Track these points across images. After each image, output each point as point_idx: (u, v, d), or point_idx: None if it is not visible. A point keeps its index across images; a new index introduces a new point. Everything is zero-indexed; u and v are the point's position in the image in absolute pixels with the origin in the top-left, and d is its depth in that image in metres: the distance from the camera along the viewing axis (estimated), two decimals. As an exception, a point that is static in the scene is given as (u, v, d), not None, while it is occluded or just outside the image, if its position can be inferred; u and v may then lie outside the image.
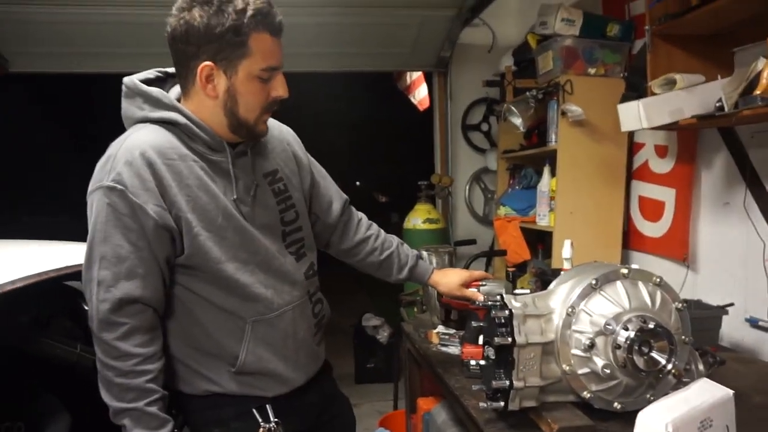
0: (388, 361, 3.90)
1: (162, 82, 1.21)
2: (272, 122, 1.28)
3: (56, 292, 1.53)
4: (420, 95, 4.30)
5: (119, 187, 1.06)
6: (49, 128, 7.63)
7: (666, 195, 2.19)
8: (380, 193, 11.99)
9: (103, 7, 2.80)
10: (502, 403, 1.20)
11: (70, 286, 1.55)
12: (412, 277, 1.52)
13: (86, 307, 1.52)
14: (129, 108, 1.18)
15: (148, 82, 1.19)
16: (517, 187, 2.98)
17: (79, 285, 1.54)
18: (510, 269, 2.19)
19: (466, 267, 2.86)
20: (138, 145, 1.09)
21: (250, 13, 1.07)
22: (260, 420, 1.18)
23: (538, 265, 2.65)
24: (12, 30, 2.98)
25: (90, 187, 1.11)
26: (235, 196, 1.16)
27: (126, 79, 1.18)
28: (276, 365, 1.21)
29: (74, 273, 1.42)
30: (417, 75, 4.26)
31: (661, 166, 2.23)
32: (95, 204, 1.09)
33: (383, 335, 3.99)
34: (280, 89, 1.16)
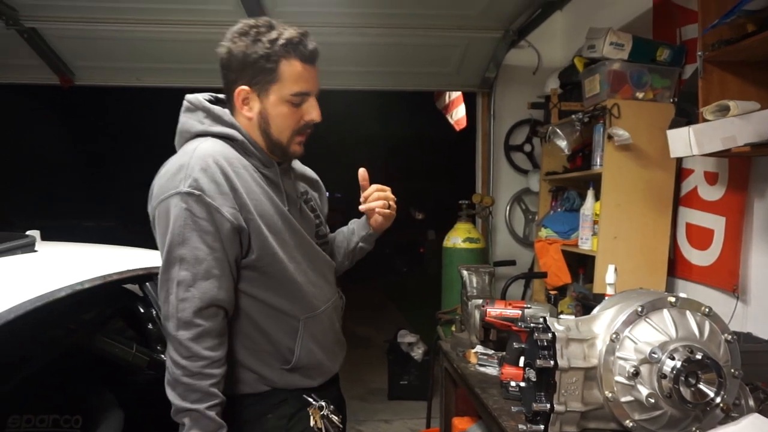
0: (421, 379, 3.89)
1: (213, 104, 1.31)
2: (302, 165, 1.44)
3: (115, 294, 1.62)
4: (457, 115, 4.33)
5: (196, 192, 1.13)
6: (106, 138, 8.05)
7: (715, 223, 2.14)
8: (417, 210, 12.02)
9: (162, 25, 2.97)
10: (542, 427, 1.20)
11: (128, 290, 1.63)
12: (357, 228, 1.51)
13: (142, 309, 1.62)
14: (188, 121, 1.27)
15: None
16: (559, 210, 2.96)
17: (136, 288, 1.63)
18: (552, 292, 2.17)
19: (505, 288, 2.85)
20: (210, 153, 1.17)
21: (281, 42, 1.19)
22: (311, 401, 1.27)
23: (579, 289, 2.62)
24: (78, 46, 3.21)
25: (160, 196, 1.17)
26: (287, 207, 1.26)
27: (189, 96, 1.29)
28: (322, 357, 1.31)
29: (133, 277, 1.50)
30: (456, 95, 4.30)
31: (711, 193, 2.18)
32: (172, 209, 1.15)
33: (418, 353, 3.98)
34: (312, 113, 1.26)
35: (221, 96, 1.31)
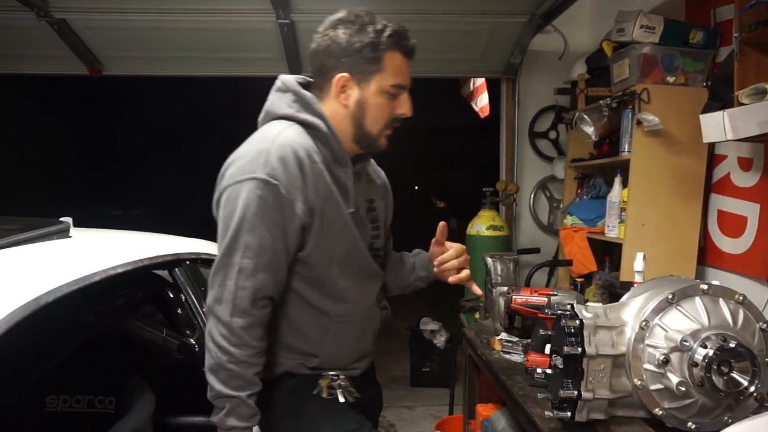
0: (443, 366, 3.90)
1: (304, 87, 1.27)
2: (377, 166, 1.43)
3: (145, 279, 1.65)
4: (482, 102, 4.28)
5: (273, 181, 1.12)
6: (139, 127, 8.20)
7: (749, 210, 2.08)
8: (438, 198, 11.93)
9: (187, 14, 2.99)
10: (569, 413, 1.20)
11: (158, 275, 1.67)
12: (418, 266, 1.48)
13: (171, 294, 1.65)
14: (276, 102, 1.25)
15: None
16: (585, 197, 2.91)
17: (165, 275, 1.67)
18: (579, 280, 2.15)
19: (530, 276, 2.84)
20: (290, 143, 1.16)
21: (387, 33, 1.19)
22: (323, 372, 1.26)
23: (605, 277, 2.58)
24: (107, 36, 3.26)
25: (235, 177, 1.14)
26: (352, 210, 1.24)
27: (283, 76, 1.27)
28: (344, 363, 1.29)
29: (163, 263, 1.53)
30: (480, 82, 4.24)
31: (745, 179, 2.12)
32: (245, 193, 1.12)
33: (440, 340, 3.99)
34: (404, 107, 1.25)
35: (311, 79, 1.28)
